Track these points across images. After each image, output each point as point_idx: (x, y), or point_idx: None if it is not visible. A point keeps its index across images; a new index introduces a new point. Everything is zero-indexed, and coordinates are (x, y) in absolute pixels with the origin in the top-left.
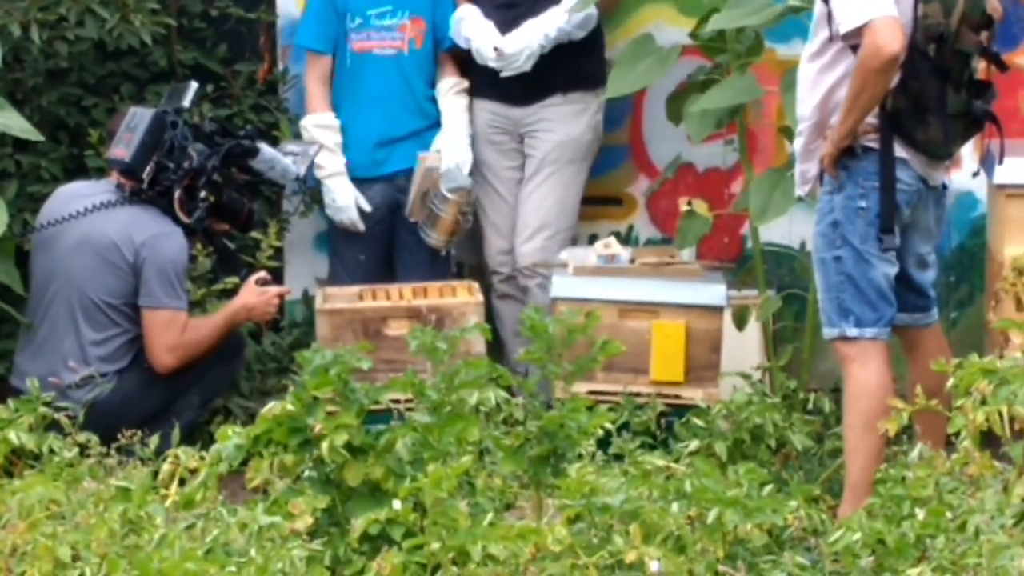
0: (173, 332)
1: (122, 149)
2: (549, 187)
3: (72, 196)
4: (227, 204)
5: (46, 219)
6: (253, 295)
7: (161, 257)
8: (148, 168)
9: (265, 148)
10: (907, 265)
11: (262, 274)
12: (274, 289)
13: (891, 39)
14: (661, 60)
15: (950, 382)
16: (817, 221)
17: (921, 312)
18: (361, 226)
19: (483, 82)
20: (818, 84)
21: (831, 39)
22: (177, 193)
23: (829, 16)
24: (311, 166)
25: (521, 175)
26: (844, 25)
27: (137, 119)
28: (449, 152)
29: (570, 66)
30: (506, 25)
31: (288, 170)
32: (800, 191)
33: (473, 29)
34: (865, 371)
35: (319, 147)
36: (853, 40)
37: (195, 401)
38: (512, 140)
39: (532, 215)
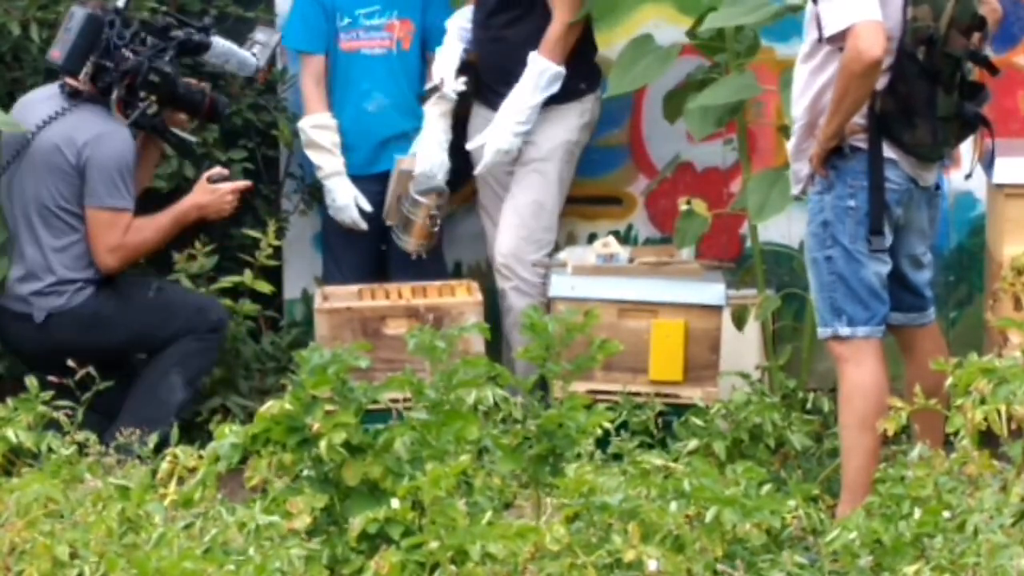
0: (116, 232)
1: (57, 50)
2: (524, 187)
3: (28, 107)
4: (184, 96)
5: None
6: (205, 193)
7: (103, 156)
8: (85, 69)
9: (218, 41)
10: (901, 265)
11: (216, 170)
12: (227, 185)
13: (873, 44)
14: (660, 59)
15: (948, 381)
16: (808, 221)
17: (917, 312)
18: (363, 225)
19: (478, 90)
20: (809, 85)
21: (820, 41)
22: (115, 93)
23: (818, 18)
24: (273, 56)
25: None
26: (828, 28)
27: (73, 20)
28: (424, 155)
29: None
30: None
31: (245, 62)
32: (794, 190)
33: (441, 52)
34: (859, 370)
35: (280, 36)
36: (838, 43)
37: (177, 381)
38: None
39: (508, 214)
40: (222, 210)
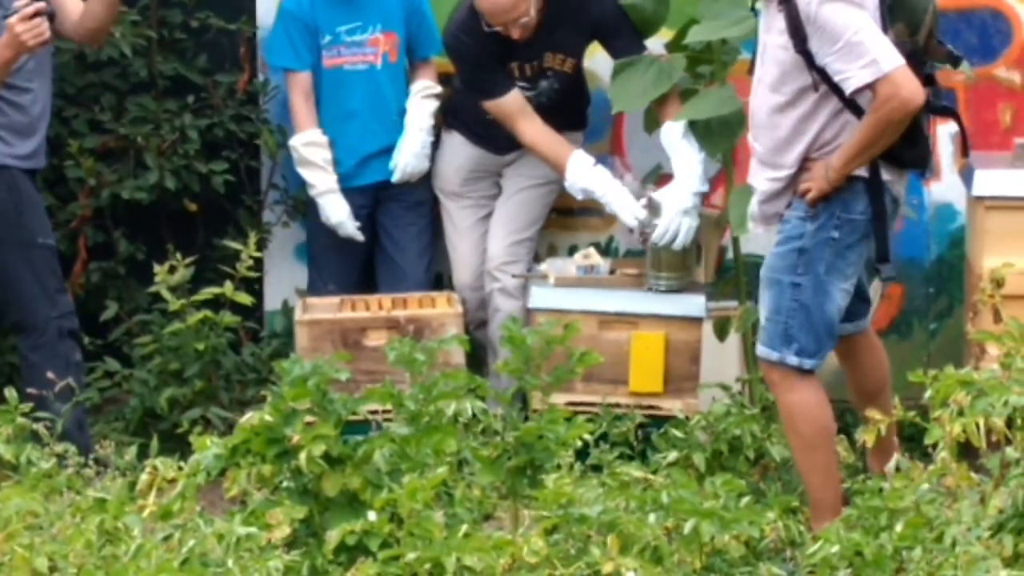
0: None
1: None
2: (518, 199)
3: None
4: None
5: None
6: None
7: None
8: None
9: None
10: (861, 273)
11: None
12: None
13: (916, 90)
14: (665, 72)
15: (927, 394)
16: (779, 242)
17: (861, 318)
18: (360, 237)
19: (467, 127)
20: (801, 133)
21: (815, 87)
22: None
23: (809, 66)
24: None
25: (492, 205)
26: (854, 82)
27: None
28: (405, 154)
29: (553, 123)
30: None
31: None
32: (756, 228)
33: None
34: (793, 395)
35: None
36: (861, 94)
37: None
38: (491, 176)
39: (497, 223)
40: (39, 36)
